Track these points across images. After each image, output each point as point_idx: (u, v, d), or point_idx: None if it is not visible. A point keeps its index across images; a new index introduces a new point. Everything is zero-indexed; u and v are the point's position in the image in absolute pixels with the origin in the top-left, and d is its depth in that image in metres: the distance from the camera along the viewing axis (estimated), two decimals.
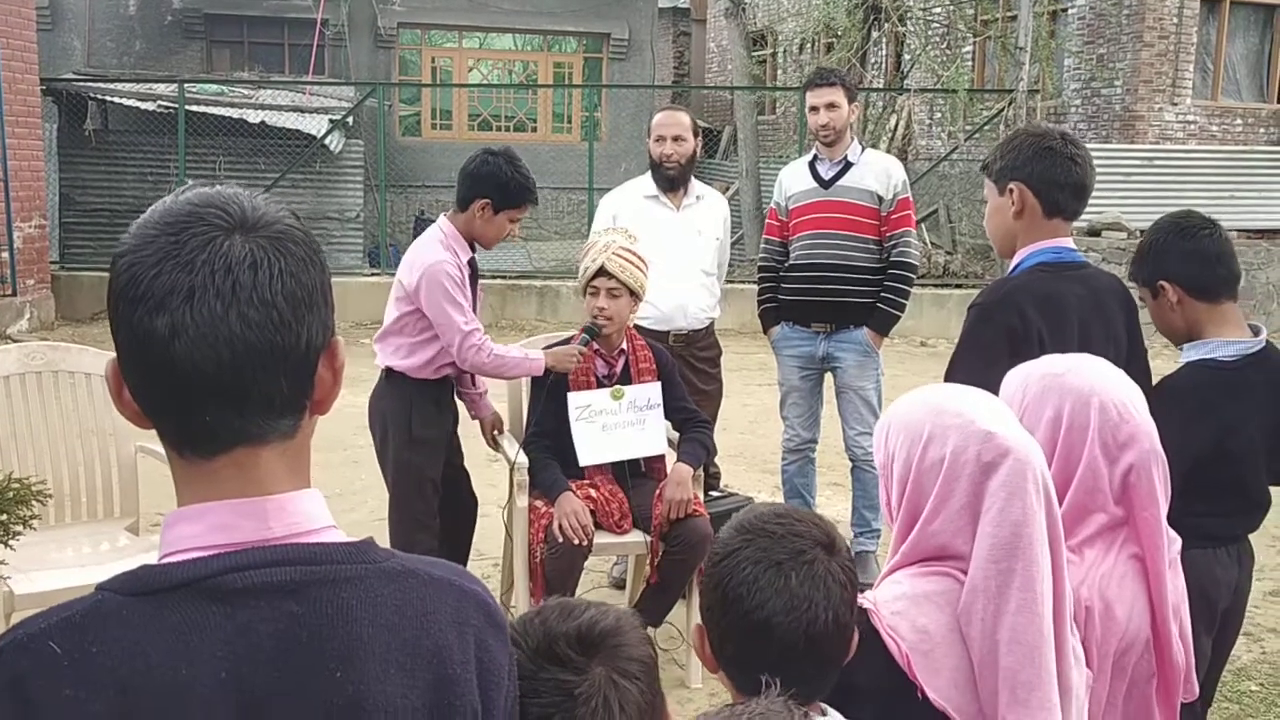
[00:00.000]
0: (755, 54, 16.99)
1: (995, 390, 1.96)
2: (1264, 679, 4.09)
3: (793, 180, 4.88)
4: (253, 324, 0.98)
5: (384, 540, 3.94)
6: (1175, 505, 2.05)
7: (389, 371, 3.92)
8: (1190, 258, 2.60)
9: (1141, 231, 12.26)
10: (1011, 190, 2.72)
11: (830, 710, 1.51)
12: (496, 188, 3.76)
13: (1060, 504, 1.90)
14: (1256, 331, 2.64)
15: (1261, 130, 14.02)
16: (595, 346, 4.02)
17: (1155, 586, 1.94)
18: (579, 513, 3.74)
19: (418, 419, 3.88)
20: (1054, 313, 2.62)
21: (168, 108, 12.46)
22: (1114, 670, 1.91)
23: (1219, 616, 2.61)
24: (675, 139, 4.67)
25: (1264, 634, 4.45)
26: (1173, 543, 1.97)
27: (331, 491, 5.95)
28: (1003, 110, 13.08)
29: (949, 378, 2.55)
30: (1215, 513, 2.52)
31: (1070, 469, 1.92)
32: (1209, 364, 2.58)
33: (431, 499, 3.94)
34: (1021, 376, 2.03)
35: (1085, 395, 1.93)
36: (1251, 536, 2.69)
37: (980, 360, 2.54)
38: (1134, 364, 2.60)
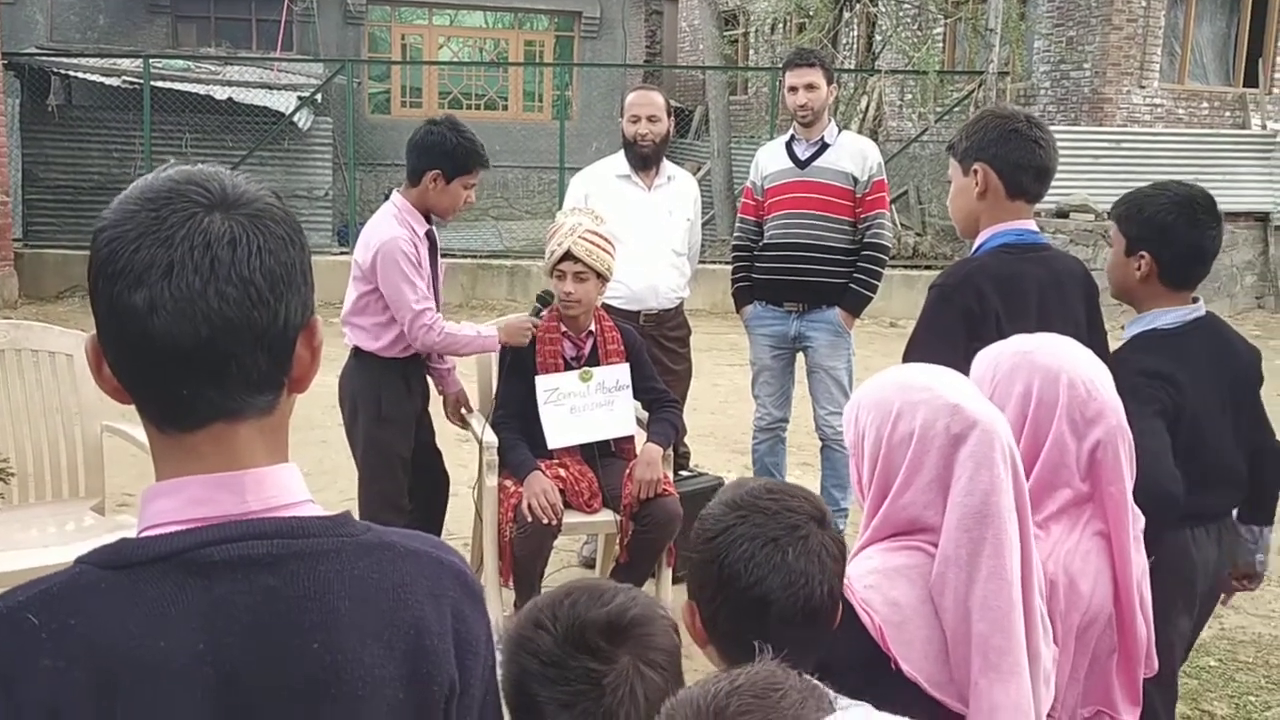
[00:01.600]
0: (727, 34, 16.95)
1: (953, 369, 2.00)
2: (1222, 654, 4.16)
3: (769, 160, 4.89)
4: (230, 300, 0.99)
5: None
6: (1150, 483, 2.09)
7: (357, 350, 3.90)
8: (1188, 250, 2.60)
9: (1110, 215, 12.29)
10: (976, 171, 2.75)
11: (818, 686, 1.52)
12: (445, 156, 3.74)
13: (1028, 479, 1.94)
14: (1194, 300, 2.69)
15: (1227, 114, 14.13)
16: (550, 318, 4.00)
17: (1120, 562, 1.97)
18: (548, 492, 3.74)
19: (387, 398, 3.87)
20: (1013, 294, 2.65)
21: (133, 83, 12.30)
22: (1077, 645, 1.95)
23: (1199, 598, 2.65)
24: (650, 119, 4.67)
25: (1223, 611, 4.52)
26: (1136, 519, 2.00)
27: (301, 471, 5.91)
28: (973, 92, 13.12)
29: (908, 356, 2.59)
30: (1189, 486, 2.56)
31: (1038, 444, 1.95)
32: (1150, 334, 2.64)
33: (402, 478, 3.93)
34: (992, 355, 2.07)
35: (1054, 372, 1.96)
36: None
37: (939, 340, 2.59)
38: (1093, 346, 2.62)
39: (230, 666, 0.98)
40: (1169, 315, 2.63)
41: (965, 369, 2.21)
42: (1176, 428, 2.52)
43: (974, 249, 2.81)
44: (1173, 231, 2.59)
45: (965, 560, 1.67)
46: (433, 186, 3.77)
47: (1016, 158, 2.72)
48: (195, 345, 0.99)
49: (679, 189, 4.88)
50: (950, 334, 2.59)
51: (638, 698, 1.38)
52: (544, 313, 4.00)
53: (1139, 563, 1.99)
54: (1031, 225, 2.81)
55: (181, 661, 0.97)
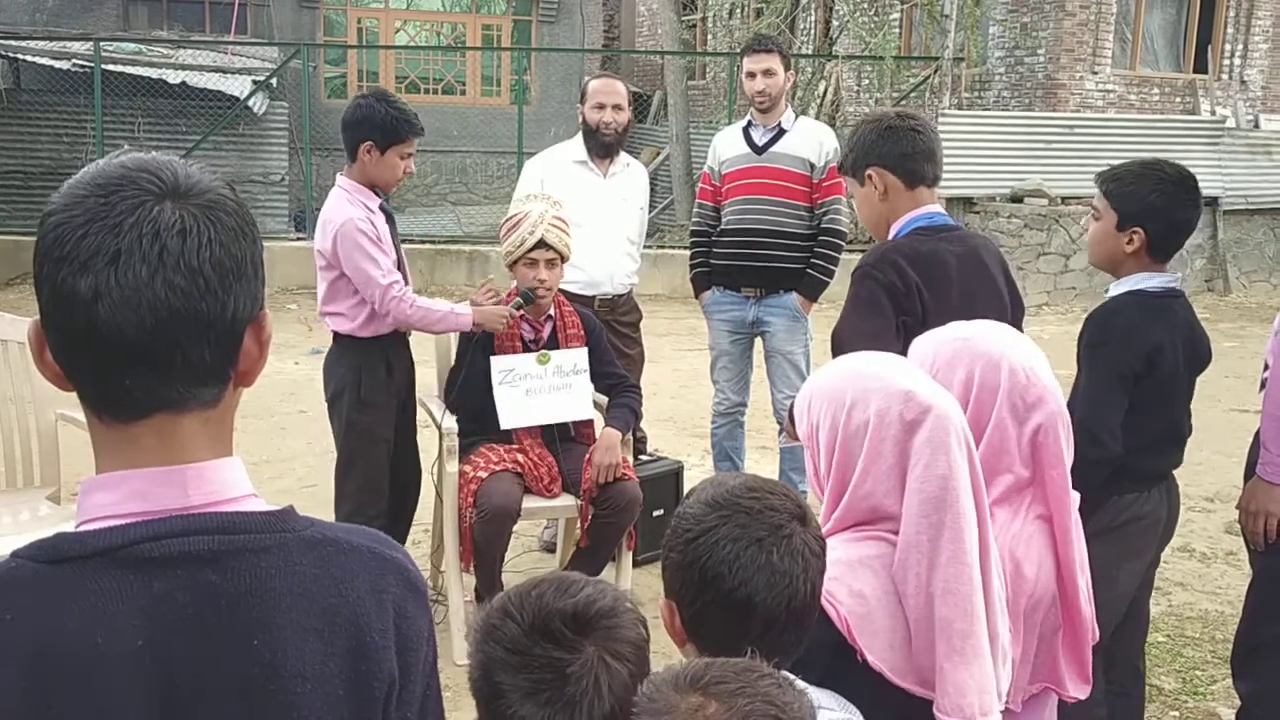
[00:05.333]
0: (685, 18, 16.94)
1: (884, 341, 2.05)
2: (1170, 630, 4.26)
3: (727, 146, 4.92)
4: (178, 291, 0.98)
5: (326, 504, 3.94)
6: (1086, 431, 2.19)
7: (337, 336, 3.91)
8: (1175, 226, 2.78)
9: (1064, 199, 12.36)
10: (870, 176, 2.91)
11: (796, 681, 1.53)
12: (374, 128, 3.76)
13: None
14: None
15: (1177, 99, 14.33)
16: (506, 300, 4.02)
17: (1062, 542, 2.01)
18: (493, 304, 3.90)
19: (367, 381, 3.88)
20: (931, 269, 2.79)
21: (83, 67, 12.09)
22: (1025, 627, 1.98)
23: (1152, 555, 2.81)
24: (615, 106, 4.71)
25: (1172, 588, 4.63)
26: (1075, 501, 2.05)
27: (259, 459, 5.89)
28: (929, 77, 13.21)
29: (838, 332, 2.73)
30: (1150, 446, 2.70)
31: (980, 430, 1.98)
32: (1136, 294, 2.78)
33: (382, 462, 3.95)
34: (931, 342, 2.09)
35: (995, 358, 1.99)
36: None
37: (866, 315, 2.73)
38: (1016, 312, 2.86)
39: (170, 663, 0.97)
40: (1155, 279, 2.79)
41: (897, 339, 2.29)
42: (1148, 385, 2.68)
43: (891, 238, 2.95)
44: (1166, 210, 2.76)
45: (926, 546, 1.69)
46: (368, 159, 3.78)
47: (901, 149, 2.87)
48: (140, 335, 0.97)
49: (634, 176, 4.93)
50: (877, 306, 2.74)
51: (601, 688, 1.38)
52: (525, 309, 4.00)
53: (1079, 543, 2.04)
54: (939, 209, 2.96)
55: (120, 658, 0.96)
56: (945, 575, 1.68)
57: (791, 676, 1.29)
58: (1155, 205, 2.74)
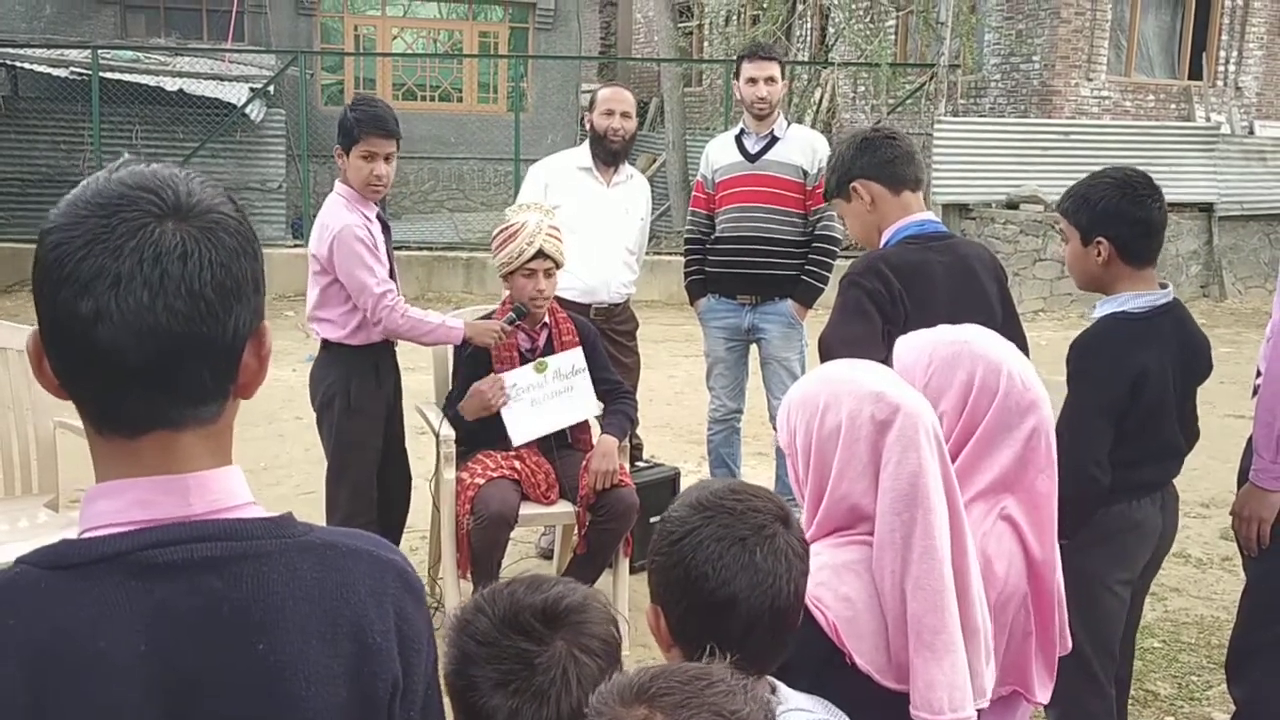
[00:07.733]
0: (682, 26, 16.98)
1: (869, 347, 2.05)
2: (1166, 636, 4.26)
3: (719, 153, 4.94)
4: (179, 315, 0.98)
5: (320, 512, 3.94)
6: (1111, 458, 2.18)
7: (326, 343, 3.91)
8: (1137, 225, 2.72)
9: (1056, 211, 12.49)
10: (855, 189, 2.95)
11: (780, 685, 1.53)
12: (340, 131, 3.80)
13: (959, 460, 1.99)
14: (1164, 286, 2.80)
15: (1172, 106, 14.38)
16: (503, 312, 4.03)
17: (1040, 546, 2.02)
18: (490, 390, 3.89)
19: (356, 389, 3.88)
20: (917, 280, 2.81)
21: (81, 74, 12.11)
22: (995, 625, 2.00)
23: (1143, 563, 2.79)
24: (624, 114, 4.75)
25: (1167, 593, 4.64)
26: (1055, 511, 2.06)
27: (257, 466, 5.89)
28: (924, 84, 13.24)
29: (825, 338, 2.77)
30: (1138, 460, 2.68)
31: (972, 429, 1.99)
32: (1121, 316, 2.73)
33: (372, 469, 3.95)
34: (924, 344, 2.09)
35: (995, 362, 2.01)
36: None
37: (852, 322, 2.77)
38: (1009, 326, 2.80)
39: (174, 668, 0.98)
40: (1140, 299, 2.73)
41: (883, 345, 2.29)
42: (1135, 410, 2.65)
43: (882, 246, 2.98)
44: (1122, 212, 2.71)
45: (899, 543, 1.71)
46: (341, 164, 3.81)
47: (880, 157, 2.93)
48: (140, 358, 0.98)
49: (636, 188, 4.95)
50: (863, 312, 2.77)
51: (570, 681, 1.41)
52: (518, 322, 4.01)
53: (1056, 550, 2.05)
54: (930, 216, 2.98)
55: (122, 663, 0.96)
56: (917, 571, 1.70)
57: (754, 680, 1.29)
58: (1109, 209, 2.70)
